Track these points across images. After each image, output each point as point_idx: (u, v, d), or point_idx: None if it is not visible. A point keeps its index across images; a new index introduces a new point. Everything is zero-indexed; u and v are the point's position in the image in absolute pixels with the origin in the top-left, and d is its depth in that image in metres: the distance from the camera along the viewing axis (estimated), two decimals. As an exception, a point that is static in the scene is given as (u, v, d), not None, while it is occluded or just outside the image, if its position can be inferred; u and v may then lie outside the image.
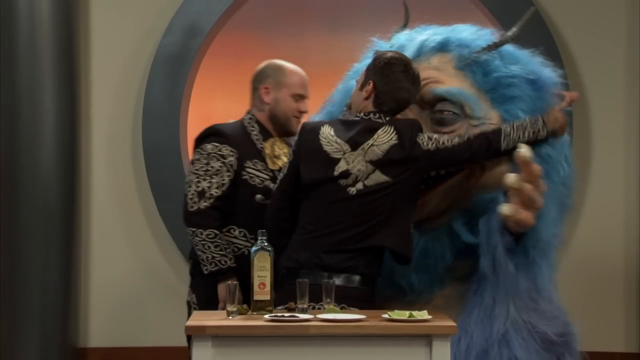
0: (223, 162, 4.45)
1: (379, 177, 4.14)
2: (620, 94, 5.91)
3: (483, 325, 4.18)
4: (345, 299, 4.08)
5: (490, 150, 4.18)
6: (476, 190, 4.29)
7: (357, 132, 4.19)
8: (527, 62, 4.44)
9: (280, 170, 4.48)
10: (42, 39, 5.64)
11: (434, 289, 4.37)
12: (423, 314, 3.87)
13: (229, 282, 4.04)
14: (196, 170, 4.47)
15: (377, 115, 4.20)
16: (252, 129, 4.58)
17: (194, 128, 5.84)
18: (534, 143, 4.18)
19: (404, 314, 3.87)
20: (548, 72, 4.45)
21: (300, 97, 4.56)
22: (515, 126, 4.19)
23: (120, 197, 5.79)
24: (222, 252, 4.40)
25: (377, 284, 4.19)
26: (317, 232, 4.16)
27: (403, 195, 4.17)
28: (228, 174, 4.45)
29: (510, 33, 4.44)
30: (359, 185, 4.14)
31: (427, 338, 3.78)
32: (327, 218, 4.14)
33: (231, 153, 4.46)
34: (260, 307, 3.98)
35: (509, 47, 4.46)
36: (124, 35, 5.92)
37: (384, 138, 4.16)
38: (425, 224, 4.34)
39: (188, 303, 4.52)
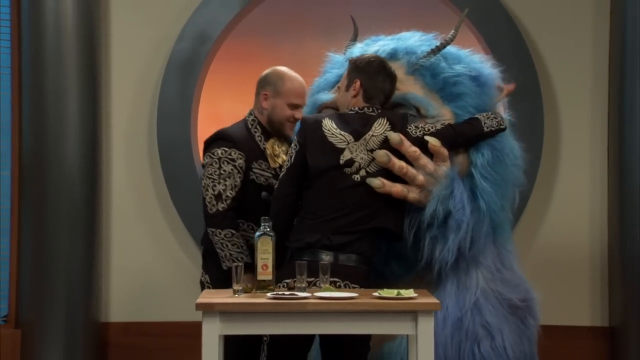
0: (234, 165, 4.43)
1: (379, 164, 4.19)
2: (587, 92, 5.89)
3: (456, 297, 4.23)
4: (349, 276, 4.13)
5: (474, 134, 4.29)
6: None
7: (358, 124, 4.22)
8: (468, 60, 4.49)
9: (280, 167, 4.49)
10: (67, 46, 5.63)
11: (412, 275, 4.37)
12: (409, 292, 3.88)
13: (234, 264, 4.04)
14: (210, 174, 4.44)
15: (371, 109, 4.23)
16: (255, 130, 4.56)
17: (203, 126, 5.86)
18: (498, 132, 4.29)
19: (392, 292, 3.88)
20: (488, 68, 4.52)
21: (295, 107, 4.53)
22: (486, 115, 4.29)
23: (137, 188, 5.78)
24: (239, 250, 4.39)
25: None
26: (325, 216, 4.16)
27: (399, 180, 4.18)
28: (239, 175, 4.44)
29: (449, 36, 4.49)
30: (362, 172, 4.17)
31: (413, 314, 3.79)
32: (334, 204, 4.15)
33: (240, 156, 4.45)
34: (263, 286, 3.99)
35: (451, 49, 4.50)
36: (140, 43, 5.90)
37: (380, 129, 4.19)
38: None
39: (201, 282, 4.51)
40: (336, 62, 4.68)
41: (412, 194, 4.12)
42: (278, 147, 4.59)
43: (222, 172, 4.44)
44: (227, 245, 4.41)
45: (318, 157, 4.22)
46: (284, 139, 4.61)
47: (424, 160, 4.10)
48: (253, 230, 4.41)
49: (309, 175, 4.24)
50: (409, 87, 4.38)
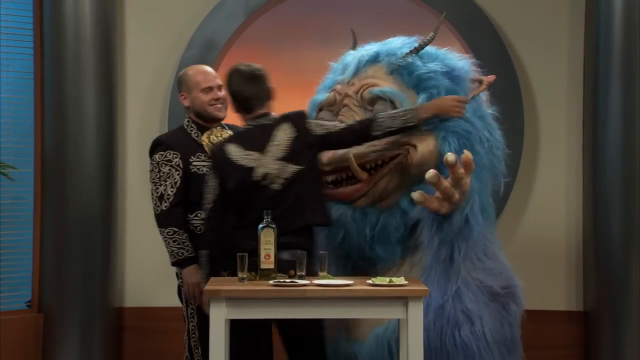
0: (171, 165, 4.48)
1: (292, 168, 4.16)
2: (563, 93, 5.89)
3: (439, 285, 4.19)
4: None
5: (363, 134, 4.20)
6: (415, 168, 4.28)
7: (260, 139, 4.21)
8: (443, 58, 4.50)
9: None
10: (85, 54, 5.63)
11: (396, 257, 4.36)
12: (400, 280, 3.89)
13: (239, 253, 4.04)
14: (152, 179, 4.51)
15: (265, 118, 4.26)
16: (191, 129, 4.61)
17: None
18: (405, 129, 4.21)
19: (385, 280, 3.89)
20: (462, 64, 4.52)
21: (209, 89, 4.56)
22: (388, 115, 4.21)
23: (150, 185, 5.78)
24: (179, 246, 4.42)
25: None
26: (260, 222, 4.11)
27: (315, 175, 4.21)
28: (177, 173, 4.47)
29: (428, 37, 4.51)
30: (280, 181, 4.15)
31: (404, 299, 3.80)
32: (263, 211, 4.07)
33: (175, 155, 4.49)
34: (266, 274, 4.00)
35: (430, 49, 4.51)
36: (153, 50, 5.90)
37: (283, 135, 4.18)
38: (380, 203, 4.35)
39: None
40: (335, 69, 4.71)
41: (445, 209, 4.05)
42: (216, 136, 4.61)
43: (161, 174, 4.50)
44: (169, 242, 4.45)
45: (234, 180, 4.21)
46: (219, 125, 4.65)
47: (466, 179, 4.02)
48: (201, 219, 4.45)
49: (232, 197, 4.23)
50: (391, 85, 4.41)
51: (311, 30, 5.93)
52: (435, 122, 4.31)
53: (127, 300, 5.83)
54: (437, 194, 4.02)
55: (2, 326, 5.43)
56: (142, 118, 5.63)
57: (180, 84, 4.64)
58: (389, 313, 3.88)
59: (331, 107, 4.51)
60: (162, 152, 4.53)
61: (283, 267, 4.05)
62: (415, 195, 4.01)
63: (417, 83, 4.40)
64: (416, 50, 4.46)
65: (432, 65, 4.42)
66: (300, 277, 3.96)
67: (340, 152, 4.28)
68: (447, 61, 4.47)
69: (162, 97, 5.86)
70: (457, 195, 4.02)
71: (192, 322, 4.62)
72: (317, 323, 4.21)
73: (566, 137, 5.87)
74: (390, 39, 4.62)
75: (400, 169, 4.31)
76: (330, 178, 4.37)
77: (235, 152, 4.22)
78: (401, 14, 5.83)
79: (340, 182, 4.37)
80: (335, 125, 4.26)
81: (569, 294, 5.85)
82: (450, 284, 4.22)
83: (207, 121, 4.59)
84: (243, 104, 4.29)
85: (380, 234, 4.33)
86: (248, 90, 4.27)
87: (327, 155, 4.31)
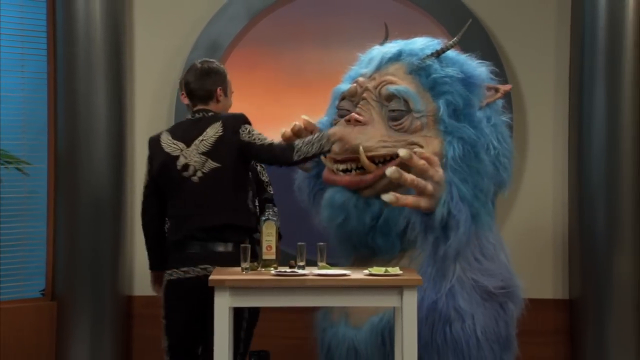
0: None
1: (211, 164, 4.17)
2: (550, 93, 5.88)
3: (434, 282, 4.17)
4: (218, 262, 4.13)
5: (284, 159, 4.21)
6: (420, 169, 4.16)
7: (189, 131, 4.26)
8: (462, 63, 4.46)
9: None
10: (95, 55, 5.63)
11: (395, 249, 4.36)
12: (396, 270, 3.91)
13: (242, 245, 4.05)
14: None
15: (202, 114, 4.30)
16: None
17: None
18: (320, 154, 4.25)
19: (381, 270, 3.90)
20: (480, 71, 4.48)
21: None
22: (305, 142, 4.21)
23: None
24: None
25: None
26: (184, 216, 4.17)
27: (235, 176, 4.19)
28: None
29: (450, 42, 4.49)
30: (199, 174, 4.17)
31: (399, 289, 3.82)
32: (186, 205, 4.14)
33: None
34: (268, 264, 4.02)
35: (451, 53, 4.48)
36: (160, 52, 5.91)
37: (211, 132, 4.20)
38: (365, 184, 4.35)
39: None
40: (360, 61, 4.70)
41: (424, 203, 4.03)
42: None
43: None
44: None
45: (158, 166, 4.26)
46: None
47: (431, 171, 4.02)
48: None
49: (158, 184, 4.28)
50: (408, 85, 4.38)
51: (311, 33, 5.91)
52: (446, 125, 4.29)
53: (136, 289, 5.84)
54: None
55: (18, 313, 5.45)
56: (149, 115, 5.64)
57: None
58: (385, 301, 3.89)
59: (352, 97, 4.50)
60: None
61: (213, 259, 4.12)
62: (387, 196, 3.99)
63: (433, 86, 4.36)
64: (437, 54, 4.42)
65: (449, 70, 4.37)
66: (301, 267, 3.97)
67: (353, 143, 4.28)
68: (465, 67, 4.43)
69: (168, 95, 5.86)
70: (429, 187, 4.00)
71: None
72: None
73: (553, 134, 5.87)
74: (415, 39, 4.59)
75: (406, 166, 4.22)
76: (341, 167, 4.36)
77: (165, 140, 4.29)
78: (397, 16, 5.82)
79: (350, 171, 4.36)
80: (262, 139, 4.23)
81: (555, 283, 5.86)
82: (444, 282, 4.19)
83: None
84: (189, 96, 4.39)
85: (382, 225, 4.32)
86: (194, 84, 4.36)
87: (339, 145, 4.31)
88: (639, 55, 5.56)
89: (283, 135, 4.41)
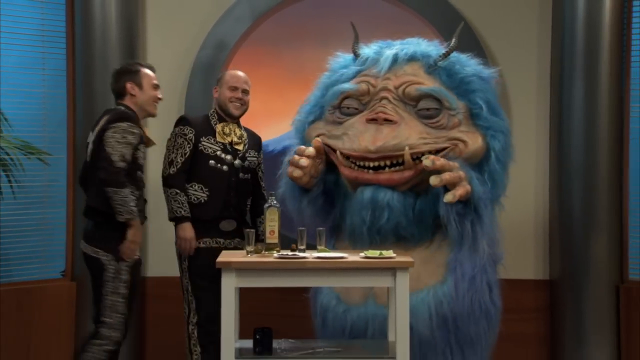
0: (185, 138, 4.72)
1: (89, 150, 4.42)
2: (532, 87, 5.88)
3: (470, 259, 4.22)
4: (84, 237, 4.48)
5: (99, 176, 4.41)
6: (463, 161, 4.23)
7: (96, 123, 4.50)
8: (472, 63, 4.46)
9: (230, 144, 4.79)
10: (111, 54, 5.63)
11: (428, 235, 4.30)
12: (389, 253, 3.92)
13: (247, 230, 4.08)
14: (168, 146, 4.76)
15: (111, 108, 4.57)
16: (212, 117, 4.88)
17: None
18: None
19: (375, 253, 3.92)
20: (486, 69, 4.49)
21: (234, 89, 4.84)
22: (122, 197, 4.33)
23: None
24: (178, 205, 4.66)
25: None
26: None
27: (94, 165, 4.35)
28: (188, 145, 4.71)
29: (452, 44, 4.45)
30: (88, 159, 4.43)
31: (392, 270, 3.83)
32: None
33: (190, 131, 4.74)
34: (271, 248, 4.03)
35: (455, 54, 4.46)
36: (170, 50, 5.90)
37: (100, 123, 4.42)
38: (416, 188, 4.27)
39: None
40: (346, 60, 4.62)
41: (466, 191, 4.11)
42: (229, 128, 4.83)
43: (176, 144, 4.76)
44: (171, 201, 4.67)
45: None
46: (236, 122, 4.89)
47: (449, 164, 4.09)
48: (202, 190, 4.69)
49: None
50: (431, 84, 4.32)
51: (311, 33, 5.92)
52: (487, 120, 4.29)
53: (150, 270, 5.84)
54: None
55: (39, 293, 5.46)
56: (160, 110, 5.59)
57: (218, 80, 4.93)
58: (379, 282, 3.91)
59: (362, 97, 4.37)
60: (182, 127, 4.77)
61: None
62: (448, 196, 4.04)
63: (458, 84, 4.33)
64: (447, 55, 4.39)
65: (469, 70, 4.38)
66: (301, 251, 3.99)
67: (394, 141, 4.16)
68: (475, 66, 4.44)
69: (178, 92, 5.86)
70: (459, 175, 4.06)
71: (185, 277, 4.75)
72: None
73: (535, 127, 5.87)
74: (411, 40, 4.55)
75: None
76: (372, 164, 4.22)
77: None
78: (390, 17, 5.83)
79: (382, 168, 4.22)
80: (112, 149, 4.30)
81: (536, 265, 5.87)
82: (478, 259, 4.27)
83: (225, 114, 4.74)
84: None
85: (418, 214, 4.27)
86: (110, 85, 4.65)
87: (376, 143, 4.17)
88: (615, 54, 5.58)
89: (298, 164, 4.30)
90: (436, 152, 4.21)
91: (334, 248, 4.37)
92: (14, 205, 5.23)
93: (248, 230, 4.06)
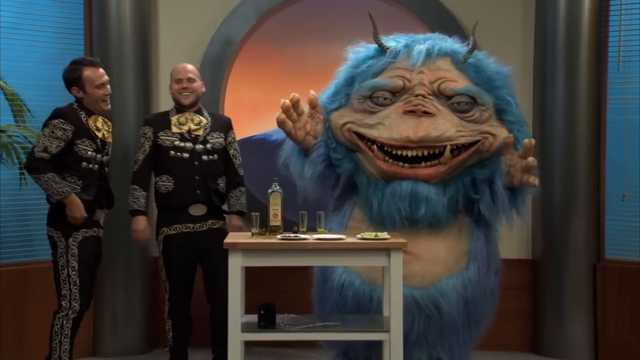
0: (145, 137, 4.84)
1: None
2: (517, 80, 5.65)
3: (486, 247, 4.28)
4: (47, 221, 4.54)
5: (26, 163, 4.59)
6: (492, 154, 4.17)
7: None
8: (491, 61, 4.37)
9: (189, 132, 4.81)
10: (126, 50, 5.63)
11: (452, 221, 4.22)
12: (384, 235, 3.90)
13: (253, 213, 4.07)
14: (136, 148, 4.93)
15: None
16: (172, 110, 4.91)
17: (228, 109, 5.85)
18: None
19: (371, 234, 3.90)
20: (504, 67, 4.40)
21: (179, 80, 4.85)
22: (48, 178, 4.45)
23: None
24: (134, 200, 4.82)
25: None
26: None
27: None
28: (148, 143, 4.77)
29: (472, 42, 4.33)
30: None
31: (386, 250, 3.82)
32: None
33: (149, 129, 4.84)
34: (274, 230, 4.03)
35: (476, 51, 4.37)
36: (181, 46, 5.89)
37: None
38: (449, 176, 4.19)
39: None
40: (369, 50, 4.38)
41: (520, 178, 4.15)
42: (186, 118, 4.83)
43: (139, 144, 4.84)
44: (130, 196, 4.80)
45: None
46: (197, 110, 4.90)
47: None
48: (168, 180, 4.76)
49: None
50: (464, 81, 4.21)
51: (311, 30, 5.90)
52: (514, 115, 4.24)
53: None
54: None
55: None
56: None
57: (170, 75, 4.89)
58: (375, 261, 3.89)
59: (396, 92, 4.20)
60: (143, 127, 4.83)
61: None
62: (535, 180, 4.09)
63: (486, 81, 4.23)
64: (471, 52, 4.28)
65: (494, 67, 4.30)
66: (302, 232, 3.98)
67: (435, 133, 4.05)
68: (494, 64, 4.35)
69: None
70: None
71: (160, 261, 4.88)
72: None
73: (519, 117, 5.86)
74: (431, 34, 4.46)
75: (477, 152, 4.16)
76: (410, 153, 4.10)
77: None
78: (386, 16, 5.80)
79: (419, 158, 4.12)
80: (37, 141, 4.46)
81: (520, 246, 5.88)
82: (492, 246, 4.34)
83: (180, 106, 4.76)
84: None
85: (448, 202, 4.18)
86: None
87: (418, 133, 4.05)
88: (593, 51, 5.59)
89: (283, 105, 4.11)
90: (469, 145, 4.14)
91: (346, 227, 4.32)
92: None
93: (253, 214, 4.05)
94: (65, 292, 4.43)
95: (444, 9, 5.80)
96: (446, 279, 4.10)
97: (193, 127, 4.78)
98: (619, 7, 5.59)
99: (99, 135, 4.56)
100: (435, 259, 4.12)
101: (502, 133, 4.18)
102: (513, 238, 5.81)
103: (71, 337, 4.43)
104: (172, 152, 4.72)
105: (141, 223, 4.74)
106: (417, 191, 4.06)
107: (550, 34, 5.62)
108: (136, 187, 4.74)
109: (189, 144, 4.75)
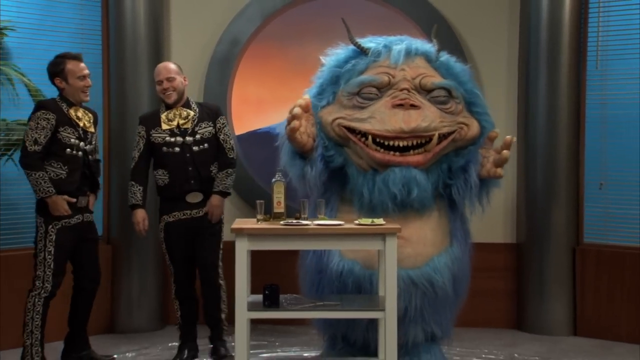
0: (139, 136, 4.72)
1: None
2: (503, 77, 5.88)
3: (462, 227, 4.33)
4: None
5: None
6: (466, 142, 4.23)
7: None
8: (454, 60, 4.42)
9: (178, 127, 4.70)
10: (140, 49, 5.62)
11: (431, 205, 4.25)
12: (380, 221, 3.90)
13: (258, 201, 4.05)
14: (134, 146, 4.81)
15: None
16: (162, 108, 4.78)
17: (235, 104, 5.85)
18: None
19: (368, 221, 3.90)
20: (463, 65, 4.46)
21: (159, 82, 4.71)
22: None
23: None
24: (132, 195, 4.76)
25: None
26: None
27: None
28: (142, 141, 4.71)
29: (436, 44, 4.38)
30: None
31: (382, 235, 3.82)
32: None
33: (142, 128, 4.75)
34: (278, 216, 4.02)
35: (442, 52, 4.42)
36: (192, 46, 5.88)
37: None
38: (430, 163, 4.21)
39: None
40: (348, 51, 4.38)
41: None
42: (174, 114, 4.73)
43: (135, 142, 4.74)
44: (129, 191, 4.73)
45: None
46: (185, 105, 4.76)
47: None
48: (164, 174, 4.70)
49: None
50: (439, 77, 4.28)
51: (312, 31, 5.88)
52: (482, 106, 4.31)
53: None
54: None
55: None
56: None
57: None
58: (371, 245, 3.89)
59: (382, 87, 4.23)
60: (138, 126, 4.77)
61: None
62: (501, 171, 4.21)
63: (455, 77, 4.30)
64: (439, 52, 4.36)
65: (460, 65, 4.38)
66: (304, 219, 3.97)
67: (424, 123, 4.10)
68: (458, 63, 4.42)
69: (198, 82, 5.83)
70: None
71: (163, 247, 4.86)
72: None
73: (505, 111, 5.85)
74: (407, 37, 4.44)
75: (453, 140, 4.21)
76: (402, 143, 4.13)
77: None
78: (381, 17, 5.80)
79: (408, 148, 4.14)
80: (26, 136, 4.44)
81: (505, 231, 5.88)
82: (467, 225, 4.38)
83: (168, 104, 4.73)
84: None
85: (429, 187, 4.21)
86: None
87: (410, 124, 4.08)
88: (573, 51, 5.57)
89: (297, 113, 4.01)
90: (449, 134, 4.19)
91: (337, 215, 4.32)
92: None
93: (258, 201, 4.04)
94: (40, 273, 4.46)
95: (434, 9, 5.79)
96: (437, 257, 4.14)
97: (181, 121, 4.73)
98: (597, 10, 5.57)
99: (80, 124, 4.57)
100: (424, 240, 4.13)
101: (473, 123, 4.25)
102: (499, 224, 5.83)
103: (43, 314, 4.47)
104: (165, 148, 4.69)
105: (139, 215, 4.75)
106: (410, 176, 4.09)
107: (534, 35, 5.61)
108: (133, 182, 4.74)
109: (179, 138, 4.69)
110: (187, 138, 4.70)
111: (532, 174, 5.62)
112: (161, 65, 4.84)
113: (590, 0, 5.58)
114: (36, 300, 4.45)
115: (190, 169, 4.69)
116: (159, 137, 4.70)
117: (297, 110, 4.00)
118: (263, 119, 5.82)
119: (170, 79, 4.72)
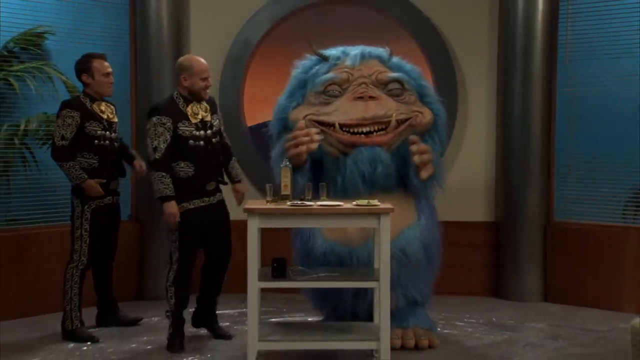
0: (164, 127, 4.26)
1: None
2: (484, 71, 5.81)
3: (428, 203, 4.39)
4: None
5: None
6: (421, 127, 4.33)
7: None
8: (405, 62, 4.56)
9: (201, 121, 4.38)
10: (164, 51, 5.60)
11: (394, 185, 4.34)
12: (375, 202, 3.89)
13: (267, 184, 4.03)
14: (150, 135, 4.28)
15: None
16: (179, 101, 4.37)
17: (247, 100, 5.81)
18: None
19: (364, 202, 3.88)
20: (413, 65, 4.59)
21: (206, 79, 4.38)
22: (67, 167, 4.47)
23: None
24: (164, 186, 4.24)
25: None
26: None
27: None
28: (169, 133, 4.25)
29: (389, 49, 4.52)
30: None
31: (377, 215, 3.81)
32: None
33: (168, 120, 4.27)
34: (285, 198, 4.01)
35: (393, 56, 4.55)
36: (208, 48, 5.81)
37: None
38: (391, 147, 4.28)
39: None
40: (313, 61, 4.56)
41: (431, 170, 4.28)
42: (197, 107, 4.41)
43: (157, 132, 4.25)
44: (157, 183, 4.23)
45: None
46: (200, 103, 4.41)
47: (427, 148, 4.27)
48: (188, 166, 4.30)
49: None
50: (393, 73, 4.42)
51: (316, 34, 5.81)
52: (434, 97, 4.42)
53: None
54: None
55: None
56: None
57: (183, 69, 4.35)
58: (367, 224, 3.90)
59: (343, 84, 4.38)
60: (160, 117, 4.28)
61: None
62: (423, 174, 4.20)
63: (407, 74, 4.44)
64: (391, 54, 4.51)
65: (410, 65, 4.51)
66: (308, 200, 3.96)
67: (381, 111, 4.24)
68: (409, 64, 4.55)
69: (215, 79, 5.70)
70: (430, 157, 4.26)
71: (173, 236, 4.38)
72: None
73: (486, 104, 5.83)
74: (358, 46, 4.54)
75: (410, 126, 4.32)
76: (365, 129, 4.24)
77: None
78: (375, 23, 5.76)
79: (372, 133, 4.25)
80: (54, 134, 4.42)
81: (485, 210, 5.84)
82: (431, 201, 4.44)
83: (195, 98, 4.40)
84: None
85: (394, 172, 4.32)
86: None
87: (369, 112, 4.22)
88: (546, 45, 5.55)
89: (317, 134, 4.26)
90: (406, 120, 4.30)
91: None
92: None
93: (267, 185, 4.02)
94: (77, 247, 4.47)
95: (418, 11, 5.76)
96: (407, 230, 4.22)
97: (203, 114, 4.40)
98: (566, 12, 5.55)
99: (104, 116, 4.55)
100: (394, 215, 4.06)
101: (426, 111, 4.36)
102: (479, 203, 5.82)
103: (80, 284, 4.49)
104: (192, 141, 4.31)
105: (174, 207, 4.25)
106: (375, 153, 4.20)
107: (511, 34, 5.59)
108: (163, 173, 4.22)
109: (202, 132, 4.36)
110: (208, 132, 4.42)
111: (509, 158, 5.61)
112: (203, 62, 4.39)
113: (560, 3, 5.56)
114: (74, 271, 4.47)
115: (213, 161, 4.43)
116: (187, 130, 4.32)
117: (317, 136, 4.24)
118: (271, 112, 5.75)
119: (210, 76, 4.50)
